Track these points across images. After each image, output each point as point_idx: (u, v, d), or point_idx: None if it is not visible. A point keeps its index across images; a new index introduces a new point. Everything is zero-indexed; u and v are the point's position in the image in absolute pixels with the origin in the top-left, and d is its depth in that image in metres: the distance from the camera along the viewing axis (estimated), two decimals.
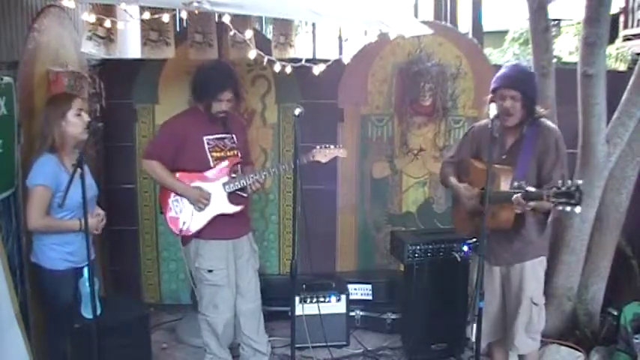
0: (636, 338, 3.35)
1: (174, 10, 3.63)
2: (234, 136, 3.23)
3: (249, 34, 3.15)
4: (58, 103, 2.79)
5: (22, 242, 2.89)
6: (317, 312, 3.59)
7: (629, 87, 3.49)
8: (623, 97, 3.52)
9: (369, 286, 4.14)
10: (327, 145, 3.18)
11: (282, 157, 4.35)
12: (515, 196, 2.48)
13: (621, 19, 6.66)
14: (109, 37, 3.43)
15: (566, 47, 8.07)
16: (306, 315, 3.57)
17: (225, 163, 3.14)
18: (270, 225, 4.46)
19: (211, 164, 3.13)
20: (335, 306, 3.80)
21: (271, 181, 4.28)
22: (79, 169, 2.47)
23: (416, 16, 6.48)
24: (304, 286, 3.76)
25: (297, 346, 3.05)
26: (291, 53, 3.95)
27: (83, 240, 2.56)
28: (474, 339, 2.64)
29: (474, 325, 2.58)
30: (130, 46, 4.64)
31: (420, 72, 4.18)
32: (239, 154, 3.21)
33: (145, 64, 4.11)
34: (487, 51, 6.84)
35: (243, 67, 4.13)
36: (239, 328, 3.32)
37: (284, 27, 3.92)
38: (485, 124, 2.85)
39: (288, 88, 4.23)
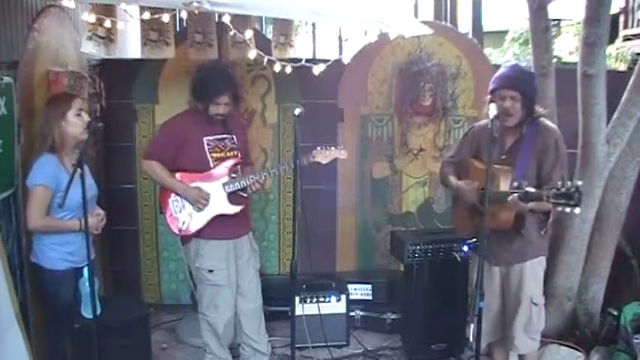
0: (636, 338, 3.35)
1: (174, 10, 3.63)
2: (234, 136, 3.23)
3: (249, 34, 3.15)
4: (58, 103, 2.79)
5: (22, 242, 2.89)
6: (317, 312, 3.59)
7: (629, 87, 3.49)
8: (623, 97, 3.52)
9: (369, 286, 4.14)
10: (328, 146, 3.18)
11: (282, 157, 4.35)
12: (511, 196, 2.49)
13: (621, 19, 6.66)
14: (109, 37, 3.43)
15: (566, 47, 8.07)
16: (306, 315, 3.58)
17: (226, 163, 3.15)
18: (270, 225, 4.46)
19: (211, 164, 3.13)
20: (335, 306, 3.80)
21: (271, 181, 4.28)
22: (79, 169, 2.47)
23: (416, 16, 6.48)
24: (304, 286, 3.76)
25: (297, 346, 3.05)
26: (291, 53, 3.95)
27: (83, 240, 2.56)
28: (471, 339, 2.64)
29: (472, 325, 2.58)
30: (130, 46, 4.64)
31: (420, 72, 4.18)
32: (239, 155, 3.21)
33: (145, 64, 4.10)
34: (487, 51, 6.84)
35: (243, 67, 4.13)
36: (240, 328, 3.32)
37: (284, 27, 3.92)
38: (485, 124, 2.85)
39: (288, 88, 4.23)
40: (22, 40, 3.20)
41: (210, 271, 3.16)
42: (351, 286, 4.02)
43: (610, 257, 3.77)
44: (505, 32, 9.64)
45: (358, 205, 4.44)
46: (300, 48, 4.41)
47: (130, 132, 4.26)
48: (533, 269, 2.82)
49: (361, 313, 4.06)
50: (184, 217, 3.13)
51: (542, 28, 3.61)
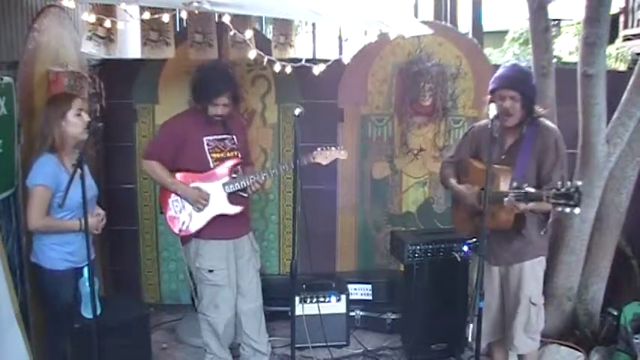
0: (636, 338, 3.35)
1: (174, 10, 3.63)
2: (234, 136, 3.23)
3: (249, 34, 3.15)
4: (58, 103, 2.79)
5: (22, 242, 2.89)
6: (317, 312, 3.59)
7: (629, 87, 3.49)
8: (623, 97, 3.52)
9: (369, 286, 4.14)
10: (328, 147, 3.18)
11: (282, 157, 4.35)
12: (507, 199, 2.49)
13: (621, 19, 6.65)
14: (109, 37, 3.43)
15: (566, 47, 8.07)
16: (306, 315, 3.58)
17: (226, 163, 3.14)
18: (270, 225, 4.46)
19: (211, 165, 3.13)
20: (335, 306, 3.80)
21: (271, 181, 4.28)
22: (79, 169, 2.47)
23: (416, 16, 6.47)
24: (304, 286, 3.76)
25: (297, 346, 3.05)
26: (291, 53, 3.95)
27: (83, 240, 2.56)
28: (470, 339, 2.64)
29: (471, 325, 2.58)
30: (130, 46, 4.65)
31: (420, 72, 4.18)
32: (239, 155, 3.21)
33: (145, 64, 4.11)
34: (487, 51, 6.83)
35: (243, 67, 4.13)
36: (240, 328, 3.32)
37: (284, 27, 3.93)
38: (485, 124, 2.85)
39: (288, 88, 4.23)
40: (22, 40, 3.20)
41: (211, 271, 3.16)
42: (351, 286, 4.02)
43: (610, 257, 3.77)
44: (505, 32, 9.63)
45: (358, 205, 4.44)
46: (300, 48, 4.41)
47: (130, 132, 4.26)
48: (533, 269, 2.82)
49: (361, 313, 4.06)
50: (184, 217, 3.13)
51: (542, 28, 3.61)
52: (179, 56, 3.77)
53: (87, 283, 2.70)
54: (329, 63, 3.37)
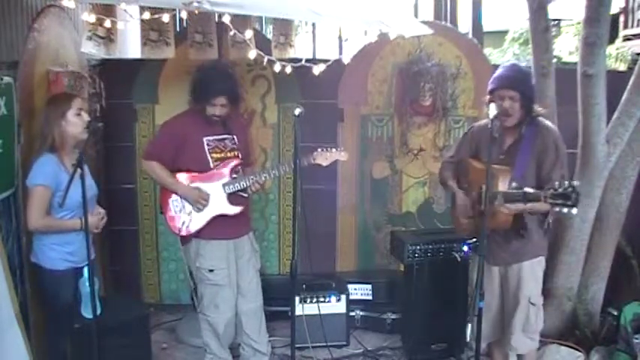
0: (636, 338, 3.35)
1: (174, 10, 3.63)
2: (234, 136, 3.23)
3: (249, 34, 3.15)
4: (58, 103, 2.79)
5: (22, 242, 2.89)
6: (317, 312, 3.59)
7: (629, 87, 3.49)
8: (623, 97, 3.52)
9: (369, 286, 4.14)
10: (329, 148, 3.18)
11: (282, 157, 4.35)
12: (497, 201, 2.50)
13: (621, 19, 6.65)
14: (109, 37, 3.43)
15: (566, 47, 8.07)
16: (306, 315, 3.58)
17: (226, 163, 3.14)
18: (270, 225, 4.46)
19: (211, 165, 3.13)
20: (335, 306, 3.80)
21: (271, 181, 4.27)
22: (79, 169, 2.47)
23: (416, 16, 6.48)
24: (304, 286, 3.76)
25: (297, 346, 3.05)
26: (291, 53, 3.95)
27: (83, 240, 2.56)
28: (468, 339, 2.64)
29: (470, 325, 2.58)
30: (130, 46, 4.65)
31: (420, 72, 4.18)
32: (239, 155, 3.21)
33: (145, 64, 4.11)
34: (487, 51, 6.84)
35: (243, 67, 4.13)
36: (240, 328, 3.32)
37: (284, 27, 3.93)
38: (485, 124, 2.85)
39: (288, 88, 4.23)
40: (22, 40, 3.20)
41: (211, 270, 3.16)
42: (351, 286, 4.02)
43: (610, 257, 3.77)
44: (505, 32, 9.63)
45: (358, 205, 4.43)
46: (300, 48, 4.42)
47: (130, 132, 4.26)
48: (532, 269, 2.82)
49: (361, 313, 4.06)
50: (184, 217, 3.13)
51: (542, 28, 3.61)
52: (179, 56, 3.77)
53: (87, 283, 2.70)
54: (329, 63, 3.37)
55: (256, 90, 4.30)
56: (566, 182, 2.26)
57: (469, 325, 2.60)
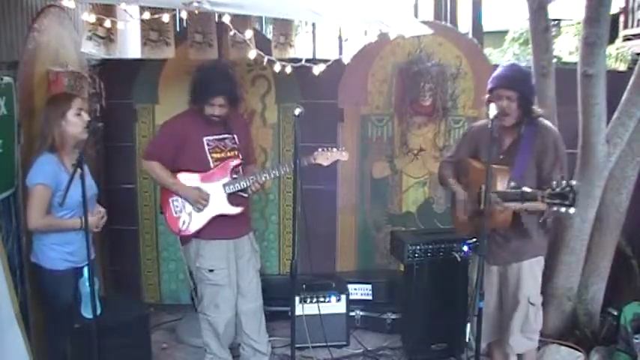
0: (636, 338, 3.35)
1: (174, 10, 3.63)
2: (235, 136, 3.23)
3: (249, 34, 3.15)
4: (58, 102, 2.79)
5: (22, 242, 2.89)
6: (317, 312, 3.59)
7: (629, 87, 3.49)
8: (623, 97, 3.52)
9: (369, 286, 4.14)
10: (329, 148, 3.18)
11: (282, 157, 4.35)
12: (493, 201, 2.50)
13: (621, 19, 6.64)
14: (109, 37, 3.43)
15: (566, 47, 8.07)
16: (306, 315, 3.58)
17: (227, 163, 3.14)
18: (270, 225, 4.46)
19: (211, 165, 3.13)
20: (335, 306, 3.80)
21: (271, 181, 4.27)
22: (79, 169, 2.47)
23: (416, 16, 6.47)
24: (304, 286, 3.76)
25: (297, 346, 3.05)
26: (291, 53, 3.95)
27: (83, 240, 2.56)
28: (467, 339, 2.64)
29: (469, 325, 2.58)
30: (130, 46, 4.64)
31: (420, 72, 4.18)
32: (239, 155, 3.21)
33: (145, 64, 4.11)
34: (487, 51, 6.83)
35: (243, 67, 4.13)
36: (240, 328, 3.32)
37: (284, 27, 3.93)
38: (484, 124, 2.86)
39: (288, 88, 4.23)
40: (22, 40, 3.21)
41: (211, 270, 3.16)
42: (351, 286, 4.02)
43: (610, 257, 3.77)
44: (505, 32, 9.63)
45: (358, 205, 4.43)
46: (300, 48, 4.42)
47: (130, 132, 4.26)
48: (532, 269, 2.82)
49: (361, 313, 4.06)
50: (184, 217, 3.13)
51: (542, 28, 3.61)
52: (179, 56, 3.77)
53: (87, 283, 2.70)
54: (329, 63, 3.37)
55: (256, 90, 4.30)
56: (564, 182, 2.26)
57: (469, 325, 2.60)
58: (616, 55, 6.12)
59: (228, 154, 3.18)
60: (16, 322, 2.67)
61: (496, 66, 3.32)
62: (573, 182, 2.24)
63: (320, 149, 3.16)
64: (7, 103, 2.75)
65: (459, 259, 3.52)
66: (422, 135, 4.34)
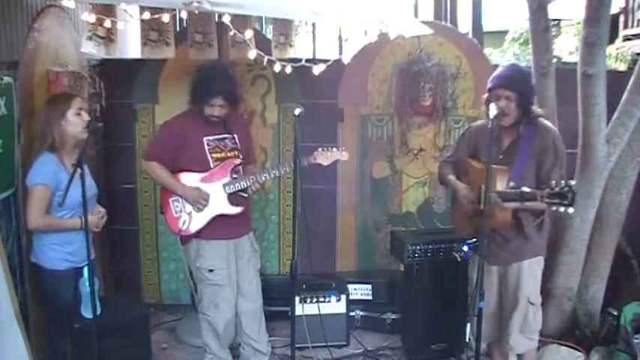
0: (636, 338, 3.35)
1: (174, 10, 3.63)
2: (235, 136, 3.23)
3: (249, 34, 3.15)
4: (57, 102, 2.79)
5: (22, 242, 2.89)
6: (317, 312, 3.59)
7: (629, 87, 3.49)
8: (623, 97, 3.52)
9: (369, 286, 4.14)
10: (329, 148, 3.18)
11: (282, 156, 4.35)
12: (493, 200, 2.50)
13: (621, 19, 6.64)
14: (109, 37, 3.43)
15: (566, 47, 8.07)
16: (306, 315, 3.57)
17: (227, 163, 3.14)
18: (270, 225, 4.46)
19: (211, 165, 3.13)
20: (335, 306, 3.80)
21: (271, 181, 4.27)
22: (79, 169, 2.47)
23: (416, 16, 6.48)
24: (304, 286, 3.76)
25: (297, 346, 3.05)
26: (291, 53, 3.95)
27: (83, 240, 2.56)
28: (467, 339, 2.64)
29: (469, 325, 2.58)
30: (130, 46, 4.64)
31: (420, 72, 4.18)
32: (240, 155, 3.21)
33: (145, 64, 4.11)
34: (487, 51, 6.83)
35: (243, 67, 4.13)
36: (240, 328, 3.32)
37: (284, 27, 3.93)
38: (483, 124, 2.87)
39: (288, 88, 4.23)
40: (22, 40, 3.21)
41: (211, 270, 3.16)
42: (351, 286, 4.02)
43: (610, 257, 3.77)
44: (505, 32, 9.63)
45: (358, 205, 4.43)
46: (300, 48, 4.42)
47: (130, 132, 4.26)
48: (531, 269, 2.82)
49: (361, 313, 4.06)
50: (184, 217, 3.13)
51: (542, 28, 3.61)
52: (179, 56, 3.77)
53: (87, 283, 2.70)
54: (329, 63, 3.37)
55: (256, 90, 4.30)
56: (563, 182, 2.26)
57: (469, 325, 2.60)
58: (616, 55, 6.12)
59: (229, 154, 3.18)
60: (16, 322, 2.67)
61: (496, 66, 3.32)
62: (572, 182, 2.24)
63: (320, 149, 3.16)
64: (7, 103, 2.75)
65: (459, 259, 3.52)
66: (422, 135, 4.34)
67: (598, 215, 3.67)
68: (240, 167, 3.22)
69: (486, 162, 2.53)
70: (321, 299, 3.74)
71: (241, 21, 3.23)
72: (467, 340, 2.70)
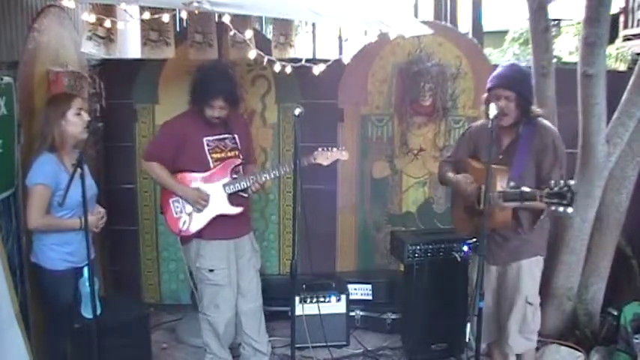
0: (636, 338, 3.35)
1: (174, 10, 3.63)
2: (235, 136, 3.22)
3: (249, 34, 3.15)
4: (58, 102, 2.79)
5: (22, 242, 2.89)
6: (317, 312, 3.59)
7: (629, 87, 3.49)
8: (623, 97, 3.52)
9: (369, 286, 4.14)
10: (329, 148, 3.18)
11: (282, 156, 4.35)
12: (494, 199, 2.50)
13: (621, 19, 6.64)
14: (109, 37, 3.43)
15: (566, 47, 8.07)
16: (306, 315, 3.57)
17: (227, 163, 3.14)
18: (270, 225, 4.46)
19: (211, 165, 3.13)
20: (335, 306, 3.80)
21: (271, 181, 4.26)
22: (79, 169, 2.47)
23: (416, 16, 6.48)
24: (304, 286, 3.76)
25: (297, 346, 3.05)
26: (291, 53, 3.95)
27: (83, 240, 2.56)
28: (467, 339, 2.64)
29: (469, 325, 2.58)
30: (130, 46, 4.65)
31: (420, 72, 4.19)
32: (240, 155, 3.21)
33: (145, 64, 4.11)
34: (487, 51, 6.83)
35: (243, 67, 4.13)
36: (240, 328, 3.32)
37: (284, 27, 3.93)
38: (482, 124, 2.86)
39: (288, 88, 4.23)
40: (22, 40, 3.21)
41: (211, 270, 3.16)
42: (351, 286, 4.02)
43: (610, 257, 3.77)
44: (505, 32, 9.63)
45: (358, 205, 4.43)
46: (300, 48, 4.41)
47: (130, 132, 4.26)
48: (531, 268, 2.82)
49: (361, 313, 4.06)
50: (185, 217, 3.13)
51: (542, 28, 3.61)
52: (179, 56, 3.77)
53: (87, 283, 2.70)
54: (329, 63, 3.37)
55: (256, 90, 4.30)
56: (562, 181, 2.26)
57: (469, 325, 2.60)
58: (616, 55, 6.12)
59: (229, 154, 3.18)
60: (16, 322, 2.67)
61: (496, 66, 3.32)
62: (571, 182, 2.24)
63: (320, 149, 3.16)
64: (7, 103, 2.75)
65: (459, 259, 3.52)
66: (422, 135, 4.34)
67: (598, 215, 3.67)
68: (240, 167, 3.22)
69: (486, 162, 2.53)
70: (321, 299, 3.74)
71: (241, 21, 3.23)
72: (467, 340, 2.69)
